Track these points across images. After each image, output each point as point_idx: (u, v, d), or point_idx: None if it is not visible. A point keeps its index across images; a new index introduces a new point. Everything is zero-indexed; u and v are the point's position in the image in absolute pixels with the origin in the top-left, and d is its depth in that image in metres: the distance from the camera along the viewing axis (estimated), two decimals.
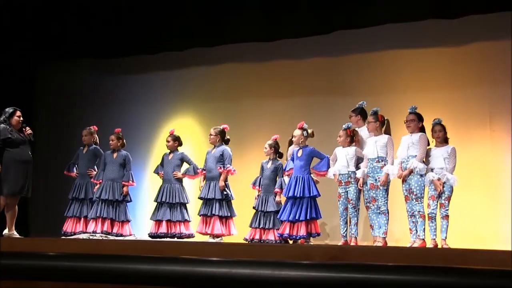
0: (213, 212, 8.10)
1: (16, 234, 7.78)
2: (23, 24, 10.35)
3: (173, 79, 10.23)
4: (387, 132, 7.25)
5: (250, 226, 7.99)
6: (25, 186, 7.88)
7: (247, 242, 7.90)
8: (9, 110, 7.93)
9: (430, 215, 6.73)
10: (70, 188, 8.84)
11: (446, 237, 6.63)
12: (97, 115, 10.14)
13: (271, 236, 7.83)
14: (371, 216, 7.12)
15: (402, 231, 7.54)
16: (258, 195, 8.06)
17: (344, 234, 7.31)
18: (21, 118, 7.96)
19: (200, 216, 8.23)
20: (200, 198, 8.26)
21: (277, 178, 8.01)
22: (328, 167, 7.47)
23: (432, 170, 6.78)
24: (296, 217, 7.43)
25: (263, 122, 9.43)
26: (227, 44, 9.61)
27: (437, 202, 6.73)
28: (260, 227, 7.91)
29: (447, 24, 8.29)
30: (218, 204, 8.13)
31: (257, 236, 7.89)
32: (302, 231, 7.42)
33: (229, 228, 8.18)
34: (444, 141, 6.87)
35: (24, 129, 7.97)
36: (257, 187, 8.08)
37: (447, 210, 6.70)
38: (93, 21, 10.26)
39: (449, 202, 6.71)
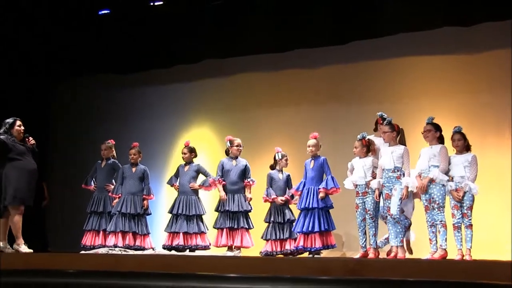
0: (242, 225, 8.12)
1: (25, 247, 7.64)
2: (40, 39, 10.48)
3: (188, 91, 10.28)
4: (402, 141, 7.20)
5: (266, 239, 7.99)
6: (32, 195, 7.70)
7: (267, 255, 7.89)
8: (9, 120, 7.77)
9: (456, 225, 6.66)
10: (88, 201, 8.87)
11: (471, 247, 6.55)
12: (113, 128, 10.20)
13: (288, 246, 7.86)
14: (388, 226, 7.08)
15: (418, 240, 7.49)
16: (271, 207, 8.06)
17: (363, 245, 7.28)
18: (22, 128, 7.79)
19: (222, 229, 8.17)
20: (223, 211, 8.21)
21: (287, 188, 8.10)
22: (335, 183, 7.53)
23: (452, 179, 6.72)
24: (310, 229, 7.48)
25: (277, 131, 9.46)
26: (241, 56, 9.66)
27: (461, 211, 6.68)
28: (279, 238, 7.90)
29: (462, 32, 8.24)
30: (245, 216, 8.16)
31: (277, 248, 7.90)
32: (318, 243, 7.47)
33: (251, 240, 8.20)
34: (465, 149, 6.80)
35: (27, 139, 7.84)
36: (270, 198, 8.07)
37: (470, 219, 6.63)
38: (108, 36, 10.38)
39: (471, 211, 6.64)
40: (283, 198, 8.05)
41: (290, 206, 8.12)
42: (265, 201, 8.15)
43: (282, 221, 7.96)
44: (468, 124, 7.39)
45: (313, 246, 7.51)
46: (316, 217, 7.52)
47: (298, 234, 7.64)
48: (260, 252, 8.03)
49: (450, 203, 6.74)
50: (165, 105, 10.38)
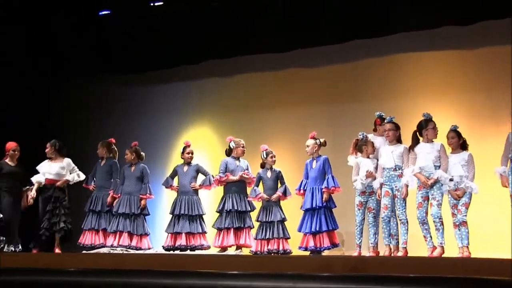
0: (247, 225, 8.18)
1: None
2: (44, 39, 10.55)
3: (189, 91, 10.32)
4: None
5: (256, 238, 8.01)
6: None
7: (253, 254, 7.91)
8: None
9: (456, 223, 6.68)
10: (87, 200, 8.86)
11: (468, 244, 6.57)
12: (116, 128, 10.21)
13: (275, 246, 7.84)
14: (382, 225, 7.12)
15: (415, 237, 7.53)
16: (262, 206, 8.09)
17: (360, 244, 7.32)
18: None
19: (228, 229, 8.17)
20: (228, 211, 8.20)
21: (279, 185, 8.08)
22: (335, 182, 7.56)
23: (451, 179, 6.74)
24: (317, 229, 7.51)
25: (278, 131, 9.48)
26: (241, 56, 9.70)
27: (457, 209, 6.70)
28: (266, 238, 7.91)
29: (460, 30, 8.30)
30: (248, 216, 8.24)
31: (265, 248, 7.89)
32: (326, 242, 7.51)
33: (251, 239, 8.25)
34: (460, 147, 6.83)
35: None
36: (257, 197, 8.09)
37: (464, 216, 6.63)
38: (109, 37, 10.46)
39: (466, 208, 6.64)
40: (269, 196, 8.00)
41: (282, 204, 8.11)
42: (251, 199, 8.19)
43: (269, 221, 7.94)
44: (467, 120, 7.43)
45: (322, 246, 7.55)
46: (322, 217, 7.55)
47: (306, 234, 7.64)
48: (250, 252, 8.05)
49: (449, 202, 6.78)
50: (166, 105, 10.42)
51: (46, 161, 8.66)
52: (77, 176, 8.72)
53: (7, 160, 8.62)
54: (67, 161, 8.68)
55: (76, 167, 8.74)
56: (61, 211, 8.48)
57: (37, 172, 8.64)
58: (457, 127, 6.88)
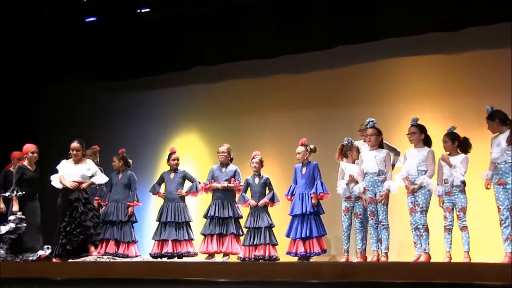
0: (231, 231, 8.13)
1: None
2: (36, 45, 10.54)
3: (176, 98, 10.30)
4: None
5: (243, 244, 7.99)
6: None
7: (241, 261, 7.89)
8: None
9: (447, 227, 6.68)
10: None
11: (468, 249, 6.53)
12: (104, 134, 10.18)
13: (262, 252, 7.82)
14: (370, 230, 7.13)
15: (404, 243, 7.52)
16: (249, 212, 8.06)
17: (347, 249, 7.31)
18: None
19: (212, 235, 8.15)
20: (213, 217, 8.18)
21: (268, 191, 8.06)
22: (324, 188, 7.57)
23: (444, 181, 6.72)
24: (308, 234, 7.50)
25: (266, 137, 9.47)
26: (228, 62, 9.70)
27: (453, 214, 6.67)
28: (254, 244, 7.89)
29: (446, 36, 8.34)
30: (234, 223, 8.20)
31: (251, 254, 7.87)
32: (316, 248, 7.52)
33: (240, 246, 8.19)
34: (455, 150, 6.77)
35: None
36: (245, 203, 8.07)
37: (464, 221, 6.61)
38: (97, 43, 10.46)
39: (464, 213, 6.61)
40: (257, 202, 7.98)
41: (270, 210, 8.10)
42: (240, 205, 8.17)
43: (257, 226, 7.92)
44: (453, 124, 7.44)
45: (312, 251, 7.54)
46: (313, 223, 7.55)
47: (296, 240, 7.61)
48: (238, 258, 8.03)
49: (443, 206, 6.74)
50: (154, 111, 10.39)
51: (67, 162, 8.00)
52: (101, 178, 8.12)
53: (26, 164, 8.25)
54: (91, 162, 8.10)
55: (98, 169, 8.17)
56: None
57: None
58: (451, 129, 6.85)
